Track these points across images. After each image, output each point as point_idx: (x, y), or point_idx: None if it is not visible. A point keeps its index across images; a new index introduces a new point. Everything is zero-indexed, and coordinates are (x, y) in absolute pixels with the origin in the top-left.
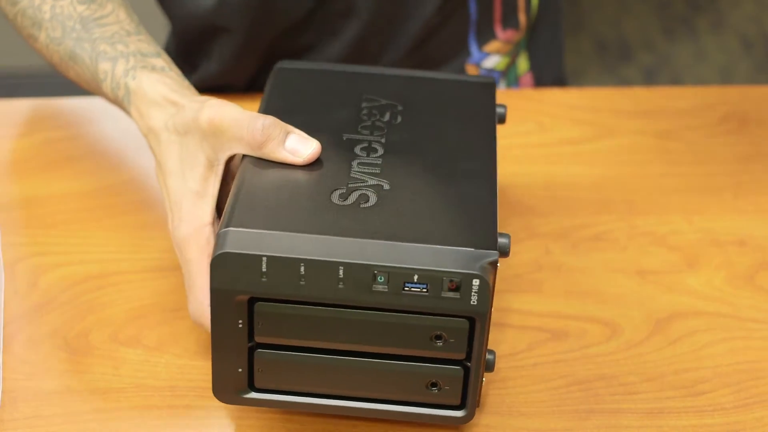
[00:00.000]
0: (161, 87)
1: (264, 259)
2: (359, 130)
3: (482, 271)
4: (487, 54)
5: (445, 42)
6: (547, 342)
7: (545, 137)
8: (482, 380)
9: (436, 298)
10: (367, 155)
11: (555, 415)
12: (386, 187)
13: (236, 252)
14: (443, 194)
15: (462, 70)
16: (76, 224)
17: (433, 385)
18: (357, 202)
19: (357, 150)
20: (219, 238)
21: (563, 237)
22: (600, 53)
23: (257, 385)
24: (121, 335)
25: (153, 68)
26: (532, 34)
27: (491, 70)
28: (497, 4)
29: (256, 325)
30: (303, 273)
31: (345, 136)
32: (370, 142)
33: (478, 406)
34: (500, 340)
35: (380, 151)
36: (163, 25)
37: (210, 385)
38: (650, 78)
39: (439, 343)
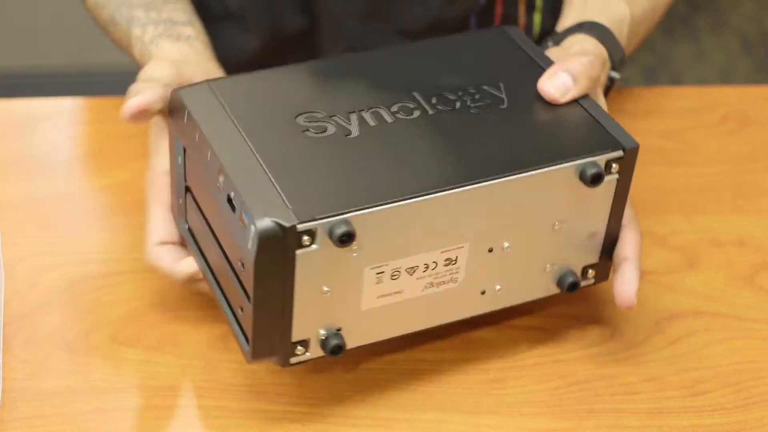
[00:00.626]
0: (177, 55)
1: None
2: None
3: None
4: None
5: None
6: (547, 342)
7: None
8: None
9: None
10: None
11: (555, 415)
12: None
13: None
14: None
15: None
16: (76, 224)
17: None
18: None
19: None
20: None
21: None
22: None
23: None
24: (121, 335)
25: (178, 37)
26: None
27: None
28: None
29: None
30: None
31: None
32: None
33: None
34: (500, 340)
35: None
36: None
37: (210, 385)
38: (650, 78)
39: None
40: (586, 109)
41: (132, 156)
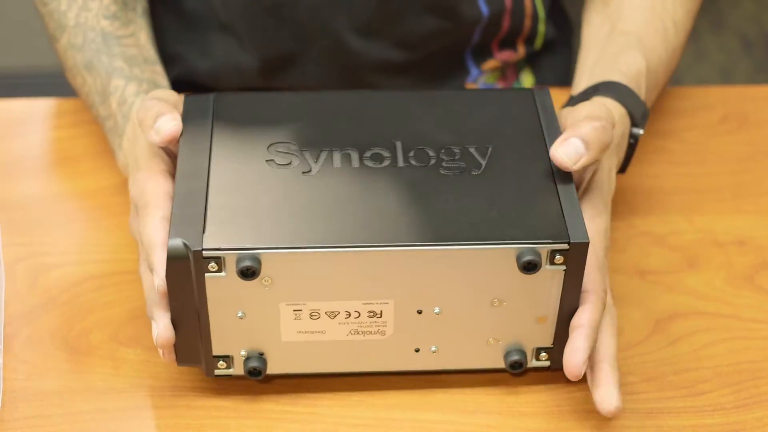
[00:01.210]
0: None
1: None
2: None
3: None
4: (484, 72)
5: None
6: None
7: None
8: None
9: None
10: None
11: (555, 415)
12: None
13: None
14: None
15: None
16: (76, 224)
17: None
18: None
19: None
20: None
21: None
22: None
23: None
24: (121, 335)
25: None
26: (537, 57)
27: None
28: (500, 35)
29: None
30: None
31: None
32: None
33: None
34: None
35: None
36: None
37: (210, 385)
38: None
39: None
40: (558, 194)
41: None
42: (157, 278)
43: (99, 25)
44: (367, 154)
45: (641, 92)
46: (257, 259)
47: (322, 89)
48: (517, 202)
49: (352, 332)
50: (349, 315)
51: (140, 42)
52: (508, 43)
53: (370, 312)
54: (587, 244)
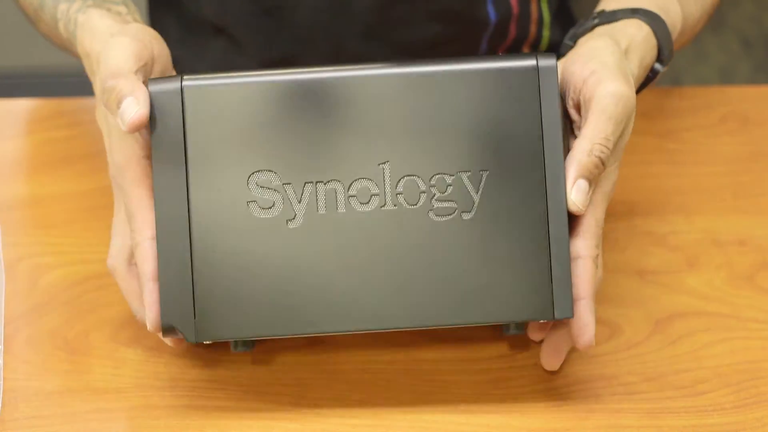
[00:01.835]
0: (109, 19)
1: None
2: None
3: None
4: None
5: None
6: None
7: None
8: None
9: None
10: None
11: (555, 415)
12: None
13: None
14: None
15: None
16: (76, 224)
17: None
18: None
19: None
20: None
21: None
22: None
23: None
24: (121, 335)
25: (109, 10)
26: None
27: None
28: (506, 43)
29: None
30: None
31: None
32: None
33: None
34: (500, 341)
35: None
36: None
37: (210, 385)
38: None
39: None
40: (550, 255)
41: None
42: (148, 322)
43: None
44: (353, 189)
45: (674, 33)
46: (251, 342)
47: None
48: (505, 265)
49: None
50: None
51: None
52: (513, 49)
53: None
54: (572, 316)
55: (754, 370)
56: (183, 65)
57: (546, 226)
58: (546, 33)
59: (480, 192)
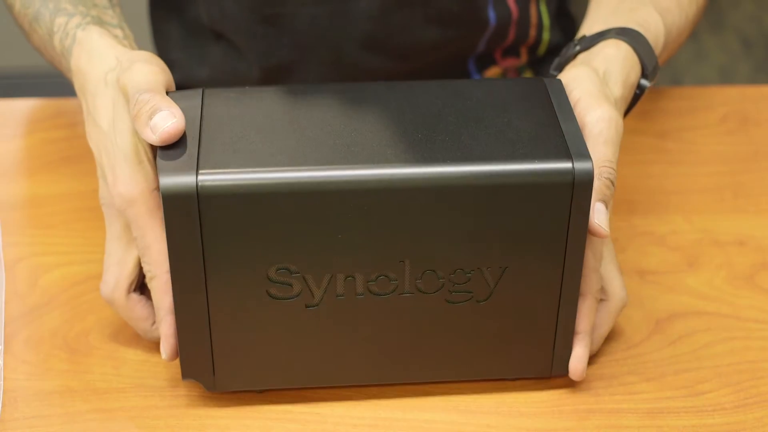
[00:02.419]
0: (110, 39)
1: None
2: None
3: None
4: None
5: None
6: None
7: None
8: None
9: None
10: None
11: (555, 415)
12: None
13: None
14: None
15: None
16: (76, 224)
17: None
18: None
19: None
20: None
21: None
22: None
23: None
24: (121, 335)
25: (108, 32)
26: (540, 61)
27: None
28: (505, 45)
29: None
30: None
31: None
32: None
33: None
34: None
35: None
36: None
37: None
38: None
39: None
40: (555, 332)
41: None
42: (165, 354)
43: None
44: (372, 278)
45: (657, 47)
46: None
47: (322, 84)
48: (513, 338)
49: None
50: None
51: None
52: (512, 51)
53: None
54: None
55: (754, 370)
56: (183, 68)
57: (556, 311)
58: (546, 36)
59: (498, 283)
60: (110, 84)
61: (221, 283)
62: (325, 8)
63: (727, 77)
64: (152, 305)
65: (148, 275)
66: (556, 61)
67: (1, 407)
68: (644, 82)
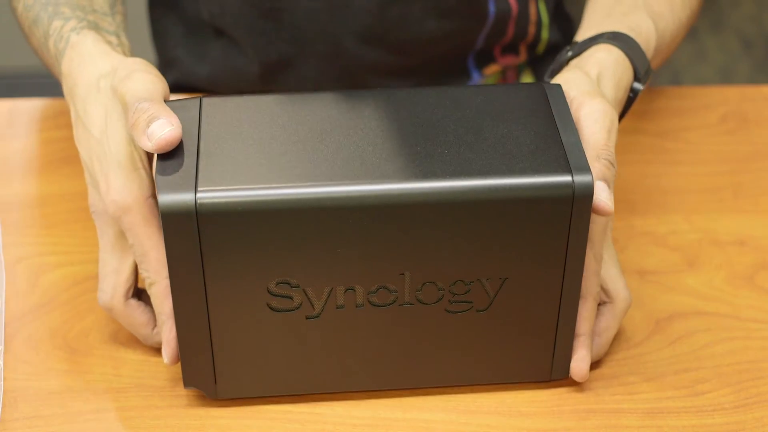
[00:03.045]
0: (104, 45)
1: None
2: None
3: None
4: (485, 76)
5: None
6: None
7: None
8: None
9: None
10: None
11: (555, 415)
12: None
13: None
14: None
15: None
16: (76, 224)
17: None
18: None
19: None
20: None
21: None
22: None
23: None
24: (121, 335)
25: (103, 39)
26: (539, 60)
27: None
28: (504, 41)
29: None
30: None
31: None
32: None
33: None
34: None
35: None
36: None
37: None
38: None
39: None
40: (555, 339)
41: None
42: (167, 358)
43: None
44: (373, 289)
45: (649, 51)
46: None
47: (320, 91)
48: (513, 345)
49: None
50: None
51: None
52: (511, 47)
53: None
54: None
55: (754, 370)
56: (183, 66)
57: (556, 318)
58: (545, 35)
59: (498, 294)
60: (103, 90)
61: (221, 296)
62: (324, 2)
63: (726, 77)
64: (151, 310)
65: (147, 282)
66: (550, 68)
67: (1, 407)
68: (637, 85)
